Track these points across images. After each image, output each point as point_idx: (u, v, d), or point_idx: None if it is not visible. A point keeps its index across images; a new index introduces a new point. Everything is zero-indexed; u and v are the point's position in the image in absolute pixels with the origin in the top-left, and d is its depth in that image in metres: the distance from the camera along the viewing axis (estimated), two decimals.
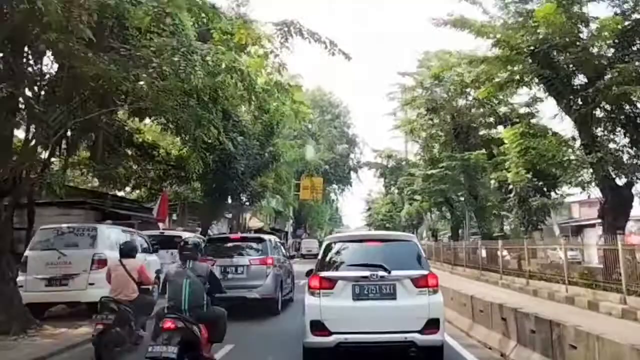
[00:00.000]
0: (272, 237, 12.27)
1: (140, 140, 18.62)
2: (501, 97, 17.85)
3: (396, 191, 38.17)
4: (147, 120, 18.58)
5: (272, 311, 9.75)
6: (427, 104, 21.58)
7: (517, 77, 14.22)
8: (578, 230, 30.35)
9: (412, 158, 31.07)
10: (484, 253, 18.06)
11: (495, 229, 20.88)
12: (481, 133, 21.60)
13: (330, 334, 5.38)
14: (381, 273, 5.48)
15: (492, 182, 17.49)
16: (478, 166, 19.15)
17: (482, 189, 20.31)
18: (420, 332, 5.35)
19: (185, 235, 14.60)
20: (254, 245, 10.56)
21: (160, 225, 17.36)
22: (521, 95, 19.82)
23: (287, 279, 11.47)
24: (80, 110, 9.16)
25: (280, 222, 56.85)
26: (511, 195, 17.15)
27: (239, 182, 18.03)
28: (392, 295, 5.47)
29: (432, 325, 5.40)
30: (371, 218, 65.08)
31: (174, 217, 21.59)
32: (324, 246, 6.27)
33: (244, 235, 14.55)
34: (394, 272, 5.50)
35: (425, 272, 5.62)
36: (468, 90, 21.35)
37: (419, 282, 5.52)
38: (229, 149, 16.38)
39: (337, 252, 6.10)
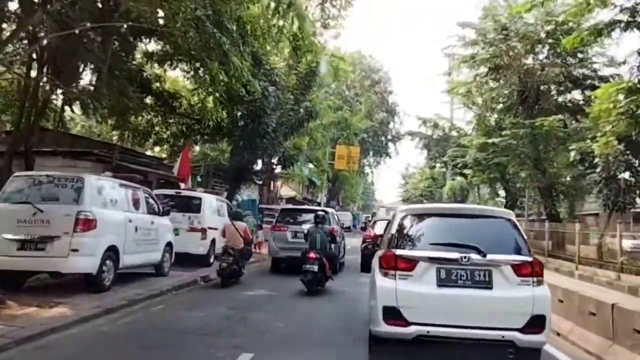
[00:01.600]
0: (333, 210, 14.88)
1: (160, 88, 16.47)
2: (592, 50, 14.51)
3: (441, 164, 34.93)
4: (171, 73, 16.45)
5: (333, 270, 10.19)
6: (490, 62, 18.31)
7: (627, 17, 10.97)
8: None
9: (460, 126, 27.68)
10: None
11: (562, 210, 17.79)
12: (556, 98, 18.13)
13: (408, 324, 4.51)
14: (474, 256, 4.54)
15: (571, 154, 14.37)
16: (551, 136, 15.99)
17: (552, 162, 17.20)
18: (521, 330, 4.40)
19: (207, 196, 12.53)
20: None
21: (182, 185, 15.37)
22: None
23: (341, 246, 13.10)
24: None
25: (313, 193, 54.99)
26: (596, 170, 13.98)
27: (269, 140, 15.70)
28: (488, 284, 4.54)
29: (536, 323, 4.44)
30: (407, 193, 62.11)
31: (198, 178, 19.62)
32: (398, 218, 5.16)
33: (311, 207, 17.19)
34: (490, 256, 4.54)
35: (530, 258, 4.64)
36: (540, 47, 17.95)
37: (522, 270, 4.55)
38: (258, 99, 13.98)
39: (417, 227, 5.04)
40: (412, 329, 4.47)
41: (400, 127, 46.85)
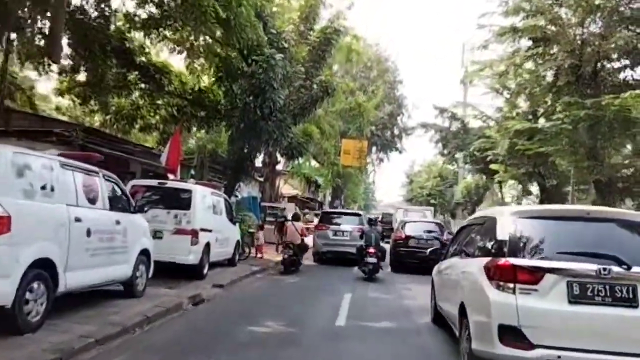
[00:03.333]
0: (362, 212, 19.10)
1: (144, 60, 13.63)
2: None
3: (460, 159, 32.08)
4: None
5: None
6: (538, 31, 15.48)
7: None
8: None
9: (487, 113, 24.60)
10: None
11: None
12: (617, 76, 15.23)
13: (533, 347, 3.79)
14: (615, 268, 3.83)
15: None
16: (618, 118, 13.21)
17: (615, 151, 14.45)
18: None
19: (199, 189, 9.69)
20: (353, 218, 15.59)
21: (171, 177, 12.53)
22: None
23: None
24: None
25: (314, 192, 52.16)
26: None
27: (276, 122, 12.86)
28: (632, 301, 3.80)
29: None
30: (412, 193, 59.45)
31: (192, 171, 16.77)
32: (507, 222, 4.38)
33: (347, 210, 21.85)
34: (635, 268, 3.82)
35: None
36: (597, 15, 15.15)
37: None
38: (263, 69, 11.18)
39: (534, 233, 4.26)
40: (537, 353, 3.85)
41: (408, 121, 43.92)
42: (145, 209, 8.62)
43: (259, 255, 14.95)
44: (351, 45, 21.93)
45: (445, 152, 31.46)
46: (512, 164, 20.16)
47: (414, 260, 13.02)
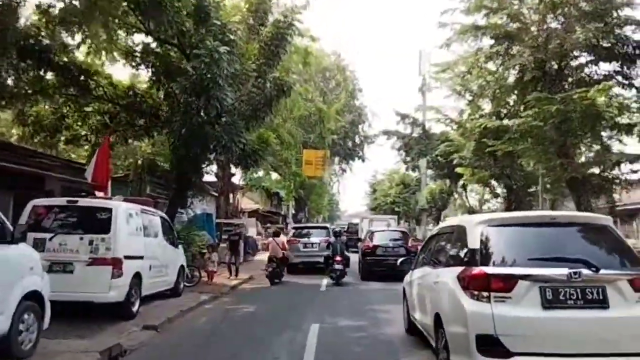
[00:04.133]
0: (329, 225, 21.23)
1: (65, 60, 11.70)
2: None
3: (423, 165, 31.36)
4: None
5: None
6: (500, 29, 14.78)
7: None
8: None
9: (435, 119, 23.75)
10: None
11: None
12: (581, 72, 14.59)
13: (510, 355, 3.79)
14: (585, 271, 3.88)
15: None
16: (588, 113, 12.52)
17: (584, 149, 13.80)
18: None
19: (122, 207, 7.85)
20: (321, 231, 17.43)
21: (99, 194, 10.58)
22: None
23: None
24: None
25: (277, 205, 50.39)
26: None
27: (224, 127, 11.20)
28: (603, 303, 3.87)
29: None
30: (375, 202, 58.81)
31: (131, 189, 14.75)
32: (476, 230, 4.36)
33: (315, 224, 24.06)
34: (603, 270, 3.92)
35: None
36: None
37: (638, 285, 3.88)
38: (205, 63, 9.62)
39: (503, 240, 4.30)
40: None
41: (369, 130, 43.21)
42: (49, 235, 6.76)
43: (212, 280, 13.16)
44: (308, 48, 20.67)
45: (408, 159, 30.76)
46: (479, 166, 19.38)
47: (382, 268, 13.44)
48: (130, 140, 14.62)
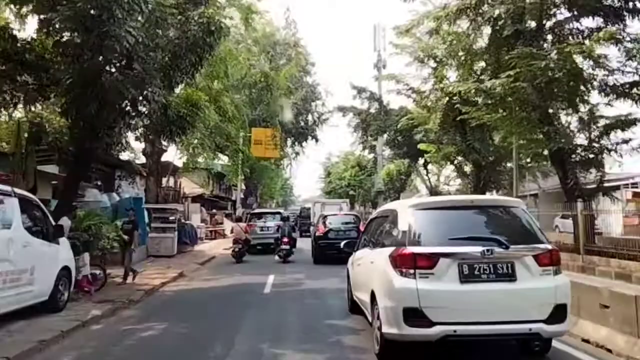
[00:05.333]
0: (283, 210, 25.26)
1: None
2: None
3: (380, 145, 29.34)
4: None
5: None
6: None
7: None
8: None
9: (395, 90, 21.54)
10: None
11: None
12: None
13: (433, 324, 4.25)
14: (497, 248, 4.37)
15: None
16: (576, 74, 10.66)
17: (570, 117, 12.00)
18: (546, 321, 4.28)
19: None
20: (275, 216, 19.28)
21: None
22: None
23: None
24: None
25: (226, 190, 47.04)
26: None
27: (131, 78, 8.18)
28: (512, 276, 4.38)
29: (559, 312, 4.33)
30: (330, 185, 56.83)
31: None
32: (405, 214, 4.86)
33: (271, 210, 24.98)
34: (512, 247, 4.43)
35: (549, 247, 4.56)
36: None
37: (543, 260, 4.44)
38: None
39: (429, 222, 4.77)
40: (436, 330, 4.25)
41: (322, 109, 40.57)
42: None
43: (131, 280, 10.25)
44: (251, 6, 17.67)
45: (366, 137, 28.60)
46: (445, 140, 17.42)
47: (334, 251, 12.86)
48: (20, 105, 11.20)
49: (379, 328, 4.67)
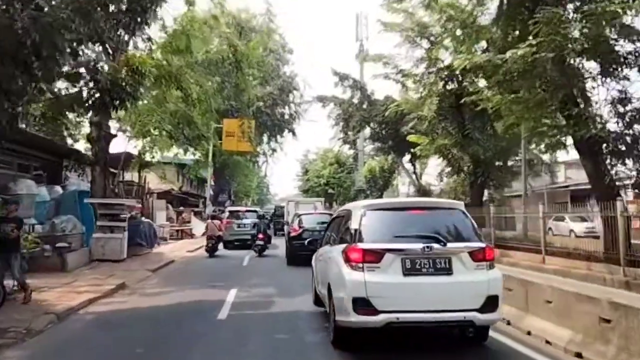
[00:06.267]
0: (259, 209, 27.29)
1: None
2: None
3: (361, 140, 27.09)
4: None
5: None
6: None
7: None
8: None
9: (383, 74, 19.21)
10: None
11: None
12: None
13: (378, 312, 4.71)
14: (435, 245, 4.85)
15: None
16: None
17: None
18: (479, 310, 4.78)
19: None
20: (252, 214, 21.16)
21: None
22: None
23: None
24: None
25: (197, 186, 44.03)
26: None
27: (38, 21, 5.64)
28: (448, 271, 4.87)
29: (491, 303, 4.84)
30: (308, 183, 54.38)
31: None
32: (358, 214, 5.31)
33: (248, 208, 25.46)
34: (449, 244, 4.91)
35: (483, 245, 5.08)
36: None
37: (477, 256, 4.94)
38: None
39: (378, 221, 5.27)
40: (381, 317, 4.68)
41: (301, 102, 38.07)
42: None
43: (19, 297, 7.61)
44: None
45: (348, 130, 26.28)
46: (441, 129, 15.30)
47: (309, 252, 12.69)
48: None
49: (334, 316, 5.16)
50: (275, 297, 8.68)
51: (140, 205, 20.08)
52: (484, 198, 17.72)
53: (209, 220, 18.10)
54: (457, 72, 12.19)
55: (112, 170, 22.05)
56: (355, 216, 5.28)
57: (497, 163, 16.54)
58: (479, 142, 14.92)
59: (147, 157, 16.52)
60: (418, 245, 4.78)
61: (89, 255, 13.31)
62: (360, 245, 4.90)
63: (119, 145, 21.21)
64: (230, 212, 21.59)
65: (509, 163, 18.92)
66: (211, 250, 16.34)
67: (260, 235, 16.28)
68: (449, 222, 5.21)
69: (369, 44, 31.74)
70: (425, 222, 5.15)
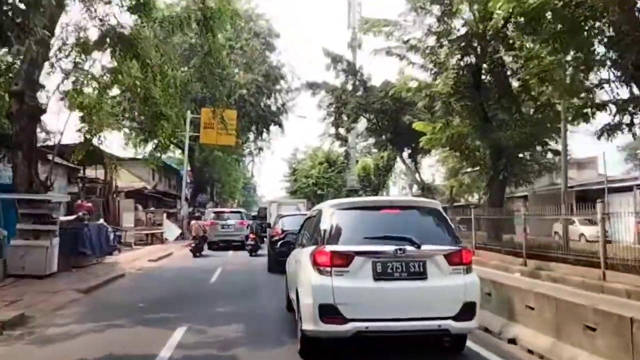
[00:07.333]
0: (243, 210, 26.25)
1: None
2: None
3: (354, 137, 24.11)
4: None
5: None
6: None
7: None
8: None
9: (385, 50, 16.21)
10: None
11: None
12: None
13: (346, 321, 4.36)
14: (409, 248, 4.51)
15: None
16: None
17: None
18: (455, 318, 4.46)
19: None
20: (236, 214, 21.80)
21: None
22: None
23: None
24: None
25: (176, 186, 40.72)
26: None
27: None
28: (422, 275, 4.52)
29: (468, 309, 4.51)
30: (296, 184, 51.32)
31: None
32: (327, 213, 5.02)
33: (232, 209, 25.94)
34: (424, 247, 4.56)
35: (459, 247, 4.75)
36: None
37: (453, 259, 4.61)
38: None
39: (348, 222, 4.94)
40: (350, 326, 4.36)
41: (288, 95, 34.97)
42: None
43: None
44: None
45: (341, 120, 23.27)
46: (461, 108, 12.37)
47: None
48: None
49: (301, 324, 4.79)
50: (242, 341, 5.63)
51: (89, 204, 16.83)
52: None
53: (194, 221, 19.00)
54: (489, 29, 9.22)
55: (69, 164, 18.86)
56: (325, 216, 5.00)
57: (519, 155, 13.72)
58: (503, 126, 12.06)
59: (95, 142, 13.16)
60: (390, 248, 4.50)
61: (4, 269, 10.11)
62: (328, 248, 4.60)
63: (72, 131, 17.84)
64: (215, 212, 22.26)
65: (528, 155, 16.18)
66: (196, 250, 17.09)
67: (252, 236, 17.20)
68: (424, 223, 4.99)
69: (364, 11, 28.66)
70: (399, 223, 4.86)
